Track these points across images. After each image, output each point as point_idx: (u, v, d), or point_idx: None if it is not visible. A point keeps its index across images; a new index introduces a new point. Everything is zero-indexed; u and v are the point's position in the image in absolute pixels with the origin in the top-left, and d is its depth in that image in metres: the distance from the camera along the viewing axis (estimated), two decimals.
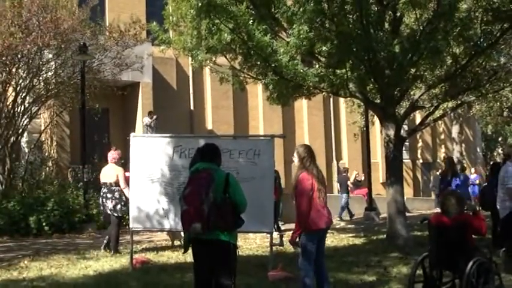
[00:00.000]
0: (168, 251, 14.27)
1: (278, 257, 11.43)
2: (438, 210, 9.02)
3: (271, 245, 11.48)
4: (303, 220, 7.89)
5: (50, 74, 21.01)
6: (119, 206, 13.68)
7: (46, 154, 23.27)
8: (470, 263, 7.88)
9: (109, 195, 13.77)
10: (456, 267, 8.16)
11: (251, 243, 15.62)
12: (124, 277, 10.84)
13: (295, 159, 8.23)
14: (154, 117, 24.05)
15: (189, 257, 11.87)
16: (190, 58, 16.95)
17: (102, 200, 13.95)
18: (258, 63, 14.40)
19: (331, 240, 16.42)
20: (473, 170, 32.05)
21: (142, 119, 23.11)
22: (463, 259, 7.96)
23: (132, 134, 12.14)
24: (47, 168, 22.77)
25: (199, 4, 12.99)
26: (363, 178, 30.41)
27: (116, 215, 13.73)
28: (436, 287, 8.45)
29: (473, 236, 8.36)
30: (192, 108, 28.24)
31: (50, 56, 20.58)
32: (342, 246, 15.25)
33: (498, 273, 8.80)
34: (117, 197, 13.70)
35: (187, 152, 11.18)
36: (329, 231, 18.42)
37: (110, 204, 13.75)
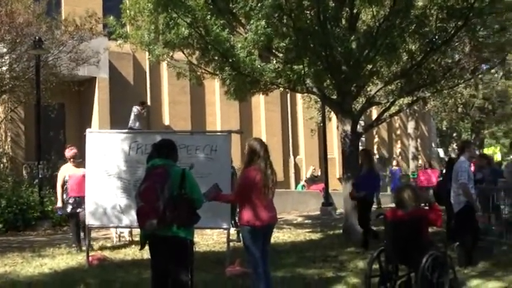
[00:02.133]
0: (125, 248, 14.17)
1: (235, 253, 11.41)
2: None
3: (228, 240, 11.48)
4: (227, 202, 8.37)
5: (4, 68, 20.66)
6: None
7: (0, 150, 22.88)
8: (425, 257, 7.98)
9: None
10: (411, 261, 8.26)
11: (208, 239, 15.58)
12: (80, 274, 10.73)
13: (245, 152, 8.22)
14: (146, 108, 23.65)
15: (146, 254, 11.79)
16: (147, 53, 16.83)
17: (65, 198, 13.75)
18: (216, 58, 14.36)
19: (288, 235, 16.49)
20: (394, 162, 32.18)
21: (132, 108, 22.60)
22: (418, 253, 8.05)
23: (88, 130, 12.04)
24: (1, 165, 22.40)
25: None
26: (319, 173, 30.57)
27: (79, 210, 13.41)
28: (392, 281, 8.54)
29: (428, 227, 8.50)
30: (149, 103, 28.06)
31: (5, 50, 20.24)
32: (299, 242, 15.31)
33: (452, 267, 8.93)
34: None
35: (144, 148, 11.12)
36: (286, 226, 18.52)
37: (71, 201, 13.60)
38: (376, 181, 14.53)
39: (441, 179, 19.41)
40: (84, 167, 12.72)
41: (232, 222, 14.55)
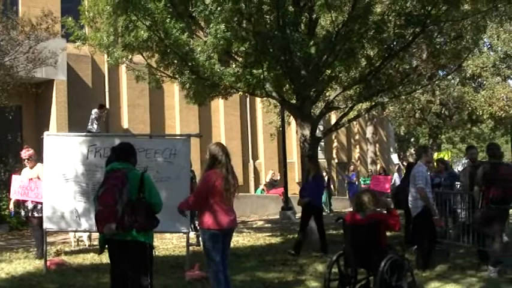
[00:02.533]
0: (84, 252, 14.04)
1: (195, 257, 11.41)
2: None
3: (188, 245, 11.47)
4: (183, 207, 8.18)
5: None
6: (39, 206, 12.93)
7: None
8: (384, 261, 8.08)
9: None
10: (370, 265, 8.35)
11: (167, 243, 15.53)
12: (38, 279, 10.62)
13: (207, 157, 8.22)
14: (106, 111, 23.34)
15: (105, 258, 11.75)
16: (106, 55, 16.72)
17: (22, 202, 13.40)
18: (175, 61, 14.34)
19: (248, 239, 16.52)
20: (351, 167, 32.13)
21: (91, 111, 22.31)
22: (377, 257, 8.15)
23: (45, 133, 11.92)
24: None
25: (117, 0, 12.84)
26: (278, 177, 30.65)
27: (36, 215, 13.06)
28: (351, 285, 8.62)
29: (387, 231, 8.58)
30: (107, 106, 27.80)
31: None
32: (259, 246, 15.34)
33: (411, 270, 9.06)
34: None
35: (103, 151, 11.07)
36: (246, 230, 18.53)
37: (29, 205, 13.20)
38: (320, 187, 14.64)
39: (397, 183, 19.65)
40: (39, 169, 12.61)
41: (192, 226, 14.53)
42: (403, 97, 22.63)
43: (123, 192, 6.83)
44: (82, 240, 15.00)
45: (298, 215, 22.68)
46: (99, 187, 7.17)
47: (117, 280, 7.11)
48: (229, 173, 8.03)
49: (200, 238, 8.61)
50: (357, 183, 29.64)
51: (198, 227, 8.15)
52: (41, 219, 12.86)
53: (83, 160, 11.27)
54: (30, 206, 13.18)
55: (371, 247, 8.29)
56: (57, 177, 11.32)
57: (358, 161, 42.13)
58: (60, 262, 12.25)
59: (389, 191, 24.30)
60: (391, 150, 47.26)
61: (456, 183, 15.36)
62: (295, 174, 34.88)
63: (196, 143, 22.02)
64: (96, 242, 14.95)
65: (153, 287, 7.18)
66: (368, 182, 27.83)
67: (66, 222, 11.36)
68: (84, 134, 12.47)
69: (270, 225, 21.82)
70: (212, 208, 7.87)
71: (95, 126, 21.58)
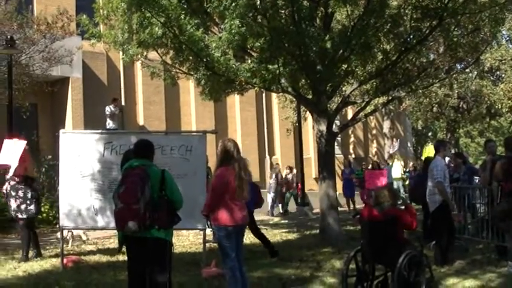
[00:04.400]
0: (101, 249, 14.12)
1: (211, 254, 11.44)
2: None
3: (205, 241, 11.49)
4: (207, 211, 8.03)
5: None
6: (23, 206, 12.51)
7: None
8: (402, 256, 8.06)
9: (12, 193, 12.58)
10: (388, 261, 8.33)
11: (184, 240, 15.58)
12: (55, 277, 10.67)
13: (218, 152, 8.20)
14: (119, 106, 23.19)
15: (121, 256, 11.83)
16: (121, 52, 16.76)
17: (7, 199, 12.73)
18: (190, 58, 14.36)
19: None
20: (347, 162, 31.60)
21: (105, 108, 22.34)
22: (395, 253, 8.13)
23: (61, 131, 11.98)
24: None
25: None
26: (295, 172, 30.66)
27: (20, 216, 12.55)
28: (368, 281, 8.62)
29: (404, 228, 8.55)
30: (123, 103, 27.92)
31: None
32: (275, 242, 15.33)
33: (429, 266, 9.02)
34: (21, 195, 12.53)
35: (119, 149, 11.12)
36: (263, 226, 18.63)
37: (13, 204, 12.56)
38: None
39: (417, 178, 19.50)
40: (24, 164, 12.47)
41: (208, 222, 14.55)
42: (420, 91, 22.54)
43: (145, 190, 6.87)
44: (78, 236, 14.88)
45: (315, 210, 22.73)
46: (118, 184, 7.20)
47: (135, 277, 7.15)
48: (242, 169, 8.03)
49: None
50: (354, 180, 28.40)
51: (213, 224, 8.11)
52: (26, 220, 12.58)
53: (99, 157, 11.33)
54: (13, 205, 12.53)
55: (389, 243, 8.28)
56: (73, 175, 11.37)
57: (376, 156, 41.97)
58: (77, 260, 12.32)
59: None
60: (409, 145, 47.05)
61: (475, 177, 15.28)
62: (311, 170, 34.84)
63: (212, 140, 22.00)
64: (90, 237, 15.03)
65: (171, 284, 7.22)
66: (361, 175, 26.58)
67: (82, 219, 11.42)
68: (100, 131, 12.52)
69: (286, 221, 21.84)
70: (226, 205, 7.90)
71: (111, 123, 21.67)
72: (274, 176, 26.23)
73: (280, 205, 26.22)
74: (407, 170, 31.96)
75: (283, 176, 26.84)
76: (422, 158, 26.76)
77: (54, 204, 17.95)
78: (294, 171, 28.87)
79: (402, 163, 32.16)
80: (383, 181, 23.97)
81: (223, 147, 8.08)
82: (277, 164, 29.51)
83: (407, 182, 28.53)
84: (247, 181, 8.13)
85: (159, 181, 7.02)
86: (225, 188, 7.86)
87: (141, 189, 6.84)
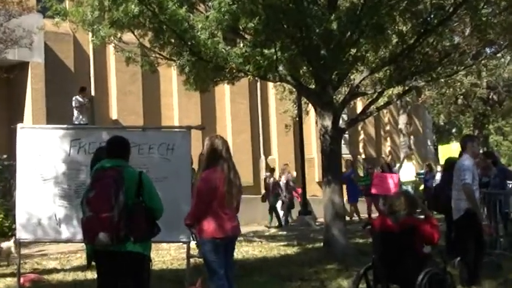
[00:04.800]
0: (66, 266, 14.11)
1: (196, 271, 11.43)
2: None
3: (188, 256, 11.48)
4: (192, 220, 7.98)
5: None
6: None
7: None
8: (421, 275, 8.05)
9: None
10: (404, 280, 8.33)
11: (164, 255, 15.58)
12: None
13: (203, 152, 8.18)
14: (87, 99, 22.94)
15: (90, 274, 11.81)
16: (90, 34, 16.74)
17: None
18: (172, 40, 14.33)
19: (259, 250, 16.55)
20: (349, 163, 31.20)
21: (72, 99, 22.22)
22: (413, 270, 8.13)
23: (19, 125, 11.90)
24: None
25: None
26: (295, 175, 30.64)
27: None
28: None
29: (423, 242, 8.53)
30: (93, 94, 27.89)
31: None
32: (272, 257, 15.36)
33: (453, 286, 9.02)
34: None
35: (88, 147, 11.10)
36: (257, 239, 18.57)
37: None
38: None
39: (439, 182, 19.43)
40: None
41: (193, 234, 14.54)
42: (443, 80, 22.56)
43: (119, 195, 6.84)
44: (64, 253, 14.93)
45: (319, 220, 22.75)
46: (87, 189, 7.18)
47: None
48: (231, 171, 8.02)
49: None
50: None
51: (197, 236, 8.07)
52: None
53: (64, 157, 11.30)
54: None
55: (405, 258, 8.27)
56: (33, 178, 11.31)
57: (390, 156, 42.04)
58: (37, 278, 12.28)
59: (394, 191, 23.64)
60: (429, 143, 47.14)
61: (507, 182, 15.20)
62: (315, 173, 34.90)
63: (198, 137, 22.02)
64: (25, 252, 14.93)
65: None
66: (367, 182, 25.94)
67: (43, 230, 11.35)
68: (65, 126, 12.48)
69: (285, 232, 21.85)
70: (214, 213, 7.87)
71: (80, 117, 21.57)
72: (284, 179, 26.07)
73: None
74: (422, 171, 31.74)
75: (275, 179, 26.48)
76: (441, 159, 26.74)
77: (9, 212, 17.90)
78: (294, 173, 28.87)
79: (414, 163, 31.98)
80: (391, 185, 23.76)
81: (210, 146, 8.05)
82: (286, 164, 29.21)
83: (421, 187, 28.46)
84: (239, 186, 8.12)
85: (136, 185, 7.01)
86: (212, 193, 7.84)
87: (115, 194, 6.82)
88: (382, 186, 23.51)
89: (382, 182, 23.81)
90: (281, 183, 25.76)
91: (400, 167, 29.39)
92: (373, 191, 23.85)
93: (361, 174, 29.13)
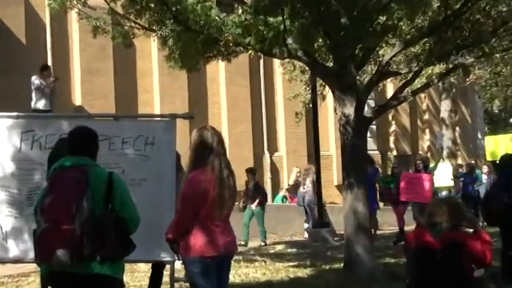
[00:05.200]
0: None
1: None
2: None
3: (172, 281, 11.50)
4: (175, 234, 7.94)
5: None
6: None
7: None
8: None
9: None
10: None
11: (141, 278, 15.57)
12: None
13: (190, 147, 8.13)
14: (52, 78, 22.93)
15: None
16: None
17: None
18: (151, 5, 14.35)
19: (263, 272, 16.57)
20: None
21: (31, 80, 22.15)
22: None
23: None
24: None
25: None
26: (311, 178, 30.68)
27: None
28: None
29: (472, 263, 8.53)
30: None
31: None
32: (279, 281, 15.39)
33: None
34: None
35: (44, 141, 11.07)
36: (259, 258, 18.61)
37: None
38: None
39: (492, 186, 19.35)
40: None
41: (178, 253, 14.53)
42: (497, 56, 22.51)
43: (82, 202, 6.82)
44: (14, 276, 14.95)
45: (341, 233, 22.73)
46: (42, 194, 7.16)
47: None
48: (224, 169, 8.00)
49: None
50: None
51: (181, 254, 8.04)
52: None
53: (13, 153, 11.26)
54: None
55: (448, 283, 8.28)
56: None
57: (429, 152, 42.08)
58: None
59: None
60: (479, 136, 47.07)
61: None
62: (333, 174, 34.93)
63: (185, 128, 22.03)
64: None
65: None
66: (392, 185, 25.41)
67: None
68: (15, 114, 12.44)
69: (295, 250, 21.89)
70: (202, 226, 7.83)
71: (42, 102, 21.47)
72: (308, 182, 25.99)
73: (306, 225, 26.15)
74: (459, 172, 31.19)
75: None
76: (488, 155, 26.60)
77: None
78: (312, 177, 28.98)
79: (451, 163, 31.66)
80: (426, 188, 23.41)
81: (198, 139, 8.03)
82: (311, 164, 28.98)
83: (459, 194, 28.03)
84: (233, 188, 8.10)
85: (105, 189, 6.99)
86: (201, 200, 7.81)
87: (77, 201, 6.80)
88: (413, 191, 23.18)
89: (413, 186, 23.46)
90: (305, 188, 25.73)
91: (434, 167, 28.93)
92: (403, 197, 23.43)
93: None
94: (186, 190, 7.94)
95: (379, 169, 27.75)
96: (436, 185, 25.25)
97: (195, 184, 7.86)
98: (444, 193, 26.69)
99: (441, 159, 30.28)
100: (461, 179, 28.58)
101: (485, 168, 29.33)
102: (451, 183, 28.39)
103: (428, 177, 23.67)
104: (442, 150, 30.38)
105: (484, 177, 27.93)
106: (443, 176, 27.59)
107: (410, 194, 23.04)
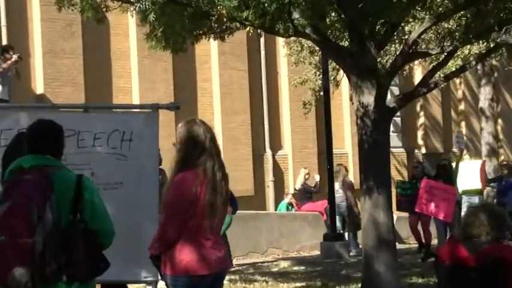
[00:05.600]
0: None
1: None
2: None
3: None
4: (159, 249, 7.91)
5: None
6: None
7: None
8: None
9: None
10: None
11: None
12: None
13: (176, 146, 8.11)
14: (15, 56, 22.92)
15: None
16: None
17: None
18: None
19: None
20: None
21: None
22: None
23: None
24: None
25: None
26: (318, 181, 30.70)
27: None
28: None
29: None
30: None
31: None
32: None
33: None
34: None
35: None
36: (259, 277, 18.70)
37: None
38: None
39: None
40: None
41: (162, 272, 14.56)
42: None
43: (45, 211, 6.81)
44: None
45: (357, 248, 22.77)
46: None
47: None
48: (218, 172, 8.02)
49: None
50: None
51: (164, 271, 8.01)
52: None
53: None
54: None
55: None
56: None
57: (464, 150, 42.12)
58: None
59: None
60: None
61: None
62: (348, 175, 34.99)
63: (170, 121, 22.06)
64: None
65: None
66: (409, 191, 25.01)
67: None
68: None
69: (303, 267, 21.93)
70: (190, 239, 7.83)
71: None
72: (337, 186, 26.00)
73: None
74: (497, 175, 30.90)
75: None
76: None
77: None
78: (317, 177, 28.97)
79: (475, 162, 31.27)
80: (449, 201, 23.11)
81: (187, 135, 8.02)
82: (340, 164, 28.86)
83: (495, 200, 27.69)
84: (225, 194, 8.11)
85: (72, 196, 6.99)
86: (190, 208, 7.81)
87: (39, 209, 6.80)
88: (432, 201, 22.83)
89: (437, 196, 23.05)
90: (339, 191, 25.78)
91: (454, 170, 27.66)
92: (417, 208, 23.03)
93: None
94: (174, 195, 7.91)
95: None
96: (462, 187, 24.82)
97: (184, 188, 7.84)
98: (475, 199, 26.08)
99: (464, 158, 29.71)
100: (493, 184, 28.04)
101: None
102: (478, 187, 27.55)
103: (448, 189, 23.24)
104: (462, 154, 29.72)
105: None
106: (469, 178, 26.86)
107: (425, 205, 22.64)
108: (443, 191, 22.76)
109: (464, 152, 30.60)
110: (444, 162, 25.48)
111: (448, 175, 24.15)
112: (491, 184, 28.14)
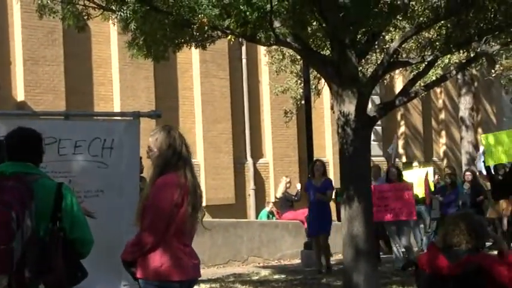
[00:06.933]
0: None
1: None
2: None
3: None
4: (136, 254, 7.78)
5: None
6: None
7: None
8: None
9: None
10: None
11: None
12: None
13: (151, 153, 8.10)
14: None
15: None
16: None
17: None
18: None
19: None
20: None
21: None
22: None
23: None
24: None
25: None
26: (299, 190, 30.69)
27: None
28: None
29: None
30: None
31: None
32: None
33: None
34: None
35: None
36: (239, 285, 18.68)
37: None
38: None
39: None
40: None
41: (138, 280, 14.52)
42: None
43: (24, 219, 6.78)
44: None
45: (336, 257, 22.79)
46: None
47: None
48: (195, 180, 8.03)
49: None
50: None
51: (137, 275, 7.93)
52: None
53: None
54: None
55: None
56: None
57: (445, 159, 42.13)
58: None
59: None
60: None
61: None
62: None
63: (151, 128, 22.09)
64: None
65: None
66: None
67: None
68: None
69: (283, 276, 21.91)
70: (168, 243, 7.79)
71: None
72: None
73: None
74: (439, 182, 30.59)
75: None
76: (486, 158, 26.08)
77: None
78: (298, 186, 28.94)
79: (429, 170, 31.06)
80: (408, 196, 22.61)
81: (167, 141, 8.00)
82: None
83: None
84: (201, 203, 8.12)
85: (52, 204, 6.97)
86: (173, 210, 7.76)
87: (18, 217, 6.77)
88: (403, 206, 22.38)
89: (387, 200, 22.38)
90: None
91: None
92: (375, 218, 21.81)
93: None
94: (158, 198, 7.82)
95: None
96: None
97: (168, 190, 7.81)
98: (420, 207, 25.64)
99: (413, 166, 29.60)
100: (437, 196, 27.39)
101: (468, 176, 27.98)
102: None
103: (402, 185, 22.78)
104: (394, 160, 29.46)
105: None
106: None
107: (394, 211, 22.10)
108: (394, 191, 22.39)
109: (415, 163, 30.44)
110: (393, 168, 24.91)
111: (398, 177, 23.54)
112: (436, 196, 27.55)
